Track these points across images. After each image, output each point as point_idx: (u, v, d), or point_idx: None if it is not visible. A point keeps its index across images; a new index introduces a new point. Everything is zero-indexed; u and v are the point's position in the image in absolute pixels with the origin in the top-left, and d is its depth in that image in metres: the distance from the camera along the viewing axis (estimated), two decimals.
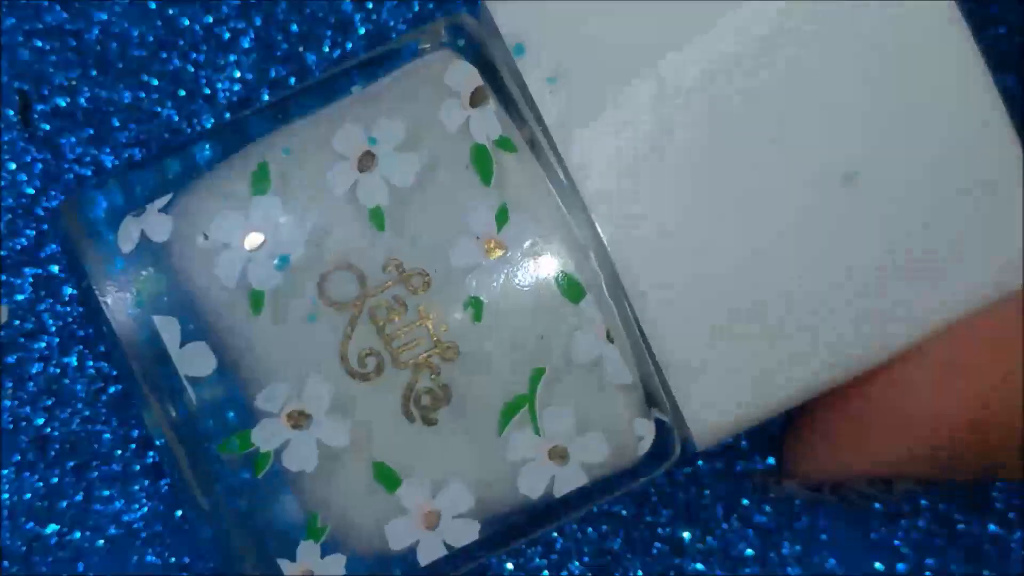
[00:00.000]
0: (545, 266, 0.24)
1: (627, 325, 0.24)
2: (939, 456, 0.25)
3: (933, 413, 0.25)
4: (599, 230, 0.24)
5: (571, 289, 0.24)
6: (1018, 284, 0.24)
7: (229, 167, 0.25)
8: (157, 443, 0.25)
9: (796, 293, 0.24)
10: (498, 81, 0.25)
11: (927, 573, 0.30)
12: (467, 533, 0.24)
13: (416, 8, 0.31)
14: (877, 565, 0.30)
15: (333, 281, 0.24)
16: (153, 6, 0.30)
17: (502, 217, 0.24)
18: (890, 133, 0.24)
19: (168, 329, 0.24)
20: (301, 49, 0.31)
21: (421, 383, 0.24)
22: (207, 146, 0.25)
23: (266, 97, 0.31)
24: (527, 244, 0.24)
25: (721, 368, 0.24)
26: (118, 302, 0.24)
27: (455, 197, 0.24)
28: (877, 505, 0.30)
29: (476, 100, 0.24)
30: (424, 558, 0.24)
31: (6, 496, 0.30)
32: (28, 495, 0.30)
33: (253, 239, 0.24)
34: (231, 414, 0.24)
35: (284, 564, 0.24)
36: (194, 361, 0.24)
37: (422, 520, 0.24)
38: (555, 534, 0.30)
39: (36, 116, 0.30)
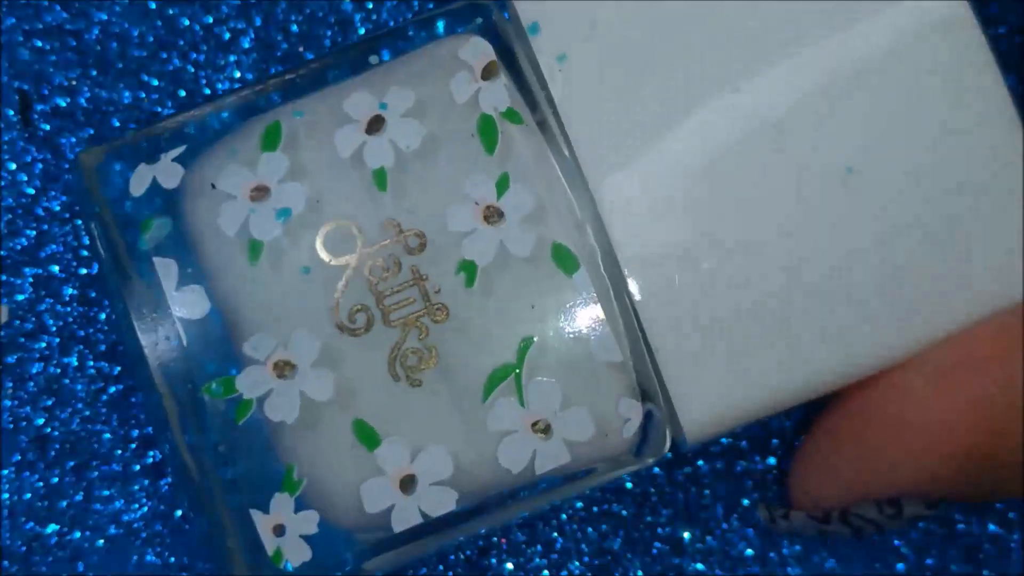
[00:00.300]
0: (541, 236, 0.24)
1: (621, 303, 0.24)
2: (942, 469, 0.25)
3: (933, 419, 0.25)
4: (598, 206, 0.24)
5: (566, 261, 0.24)
6: (1019, 295, 0.24)
7: (244, 127, 0.25)
8: (150, 395, 0.25)
9: (795, 290, 0.24)
10: (514, 63, 0.25)
11: (927, 573, 0.30)
12: (444, 502, 0.24)
13: (416, 7, 0.31)
14: (877, 565, 0.30)
15: (331, 236, 0.24)
16: (153, 6, 0.30)
17: (503, 185, 0.24)
18: (894, 135, 0.24)
19: (166, 270, 0.24)
20: (301, 49, 0.31)
21: (409, 343, 0.24)
22: (224, 112, 0.26)
23: None
24: (525, 213, 0.24)
25: (716, 361, 0.24)
26: (123, 245, 0.25)
27: (458, 164, 0.24)
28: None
29: (488, 73, 0.25)
30: (398, 524, 0.24)
31: (6, 496, 0.30)
32: (28, 495, 0.30)
33: (258, 192, 0.24)
34: (220, 359, 0.25)
35: (256, 515, 0.24)
36: (188, 303, 0.24)
37: (399, 483, 0.24)
38: (555, 534, 0.30)
39: (36, 116, 0.30)
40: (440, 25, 0.26)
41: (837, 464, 0.27)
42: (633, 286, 0.24)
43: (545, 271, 0.24)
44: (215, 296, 0.24)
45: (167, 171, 0.25)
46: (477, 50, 0.25)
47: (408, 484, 0.24)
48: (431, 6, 0.31)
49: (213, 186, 0.25)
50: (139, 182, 0.25)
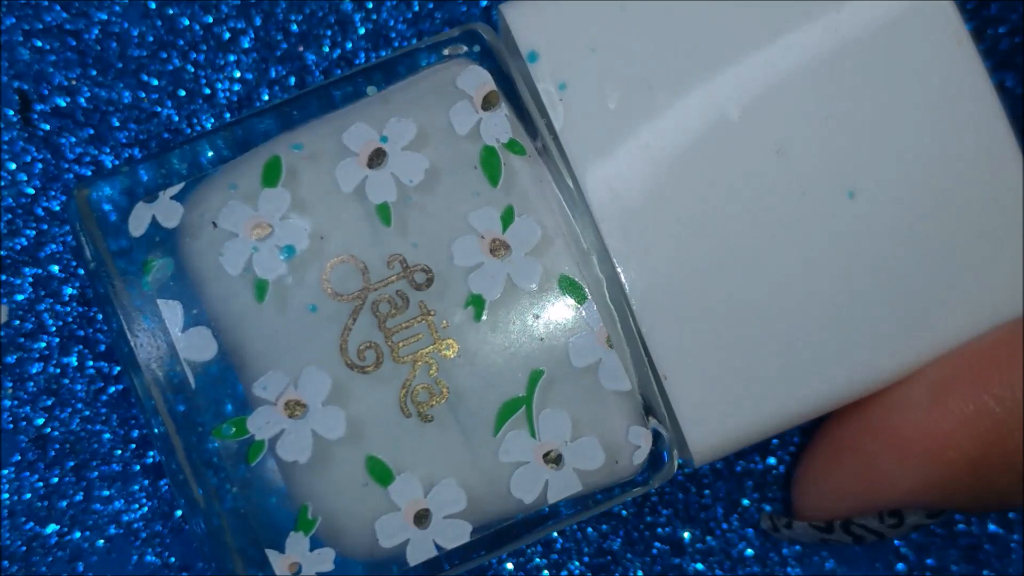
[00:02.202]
0: (548, 268, 0.24)
1: (628, 332, 0.24)
2: (942, 481, 0.25)
3: (933, 432, 0.25)
4: (603, 235, 0.24)
5: (573, 292, 0.24)
6: (1017, 310, 0.24)
7: (242, 161, 0.25)
8: (155, 431, 0.25)
9: (799, 312, 0.24)
10: (511, 88, 0.25)
11: (927, 573, 0.30)
12: (458, 534, 0.24)
13: (416, 8, 0.31)
14: (877, 565, 0.30)
15: (337, 273, 0.24)
16: (153, 6, 0.30)
17: (508, 218, 0.24)
18: (892, 150, 0.24)
19: (171, 313, 0.24)
20: (301, 49, 0.31)
21: (419, 379, 0.24)
22: (219, 141, 0.25)
23: (266, 96, 0.31)
24: (531, 246, 0.24)
25: (723, 385, 0.24)
26: (124, 285, 0.25)
27: (462, 197, 0.24)
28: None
29: (488, 104, 0.24)
30: (414, 558, 0.24)
31: (6, 496, 0.30)
32: (28, 495, 0.30)
33: (260, 229, 0.24)
34: (229, 400, 0.24)
35: (272, 555, 0.24)
36: (195, 345, 0.24)
37: (413, 518, 0.24)
38: (555, 534, 0.30)
39: (36, 116, 0.30)
40: (435, 52, 0.25)
41: (839, 477, 0.27)
42: (640, 315, 0.24)
43: (552, 303, 0.24)
44: (222, 337, 0.24)
45: (166, 209, 0.25)
46: (475, 79, 0.25)
47: (422, 518, 0.24)
48: (431, 6, 0.31)
49: (215, 224, 0.24)
50: (137, 222, 0.25)
